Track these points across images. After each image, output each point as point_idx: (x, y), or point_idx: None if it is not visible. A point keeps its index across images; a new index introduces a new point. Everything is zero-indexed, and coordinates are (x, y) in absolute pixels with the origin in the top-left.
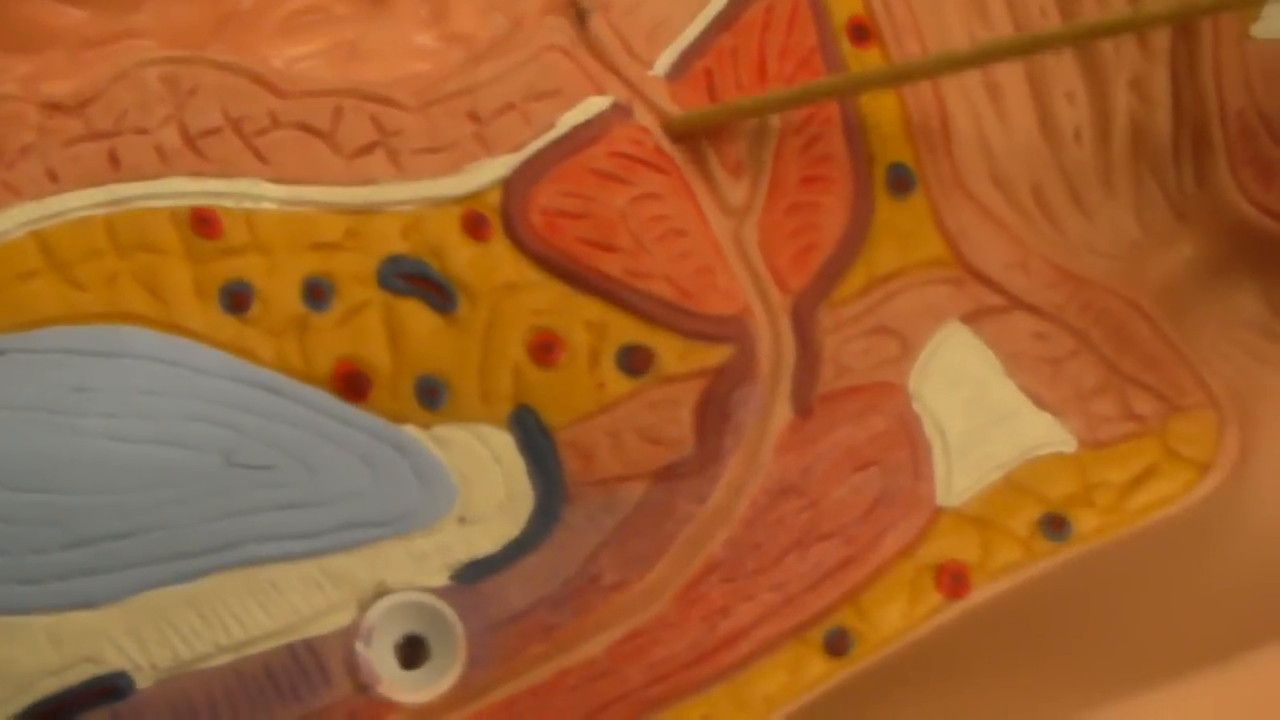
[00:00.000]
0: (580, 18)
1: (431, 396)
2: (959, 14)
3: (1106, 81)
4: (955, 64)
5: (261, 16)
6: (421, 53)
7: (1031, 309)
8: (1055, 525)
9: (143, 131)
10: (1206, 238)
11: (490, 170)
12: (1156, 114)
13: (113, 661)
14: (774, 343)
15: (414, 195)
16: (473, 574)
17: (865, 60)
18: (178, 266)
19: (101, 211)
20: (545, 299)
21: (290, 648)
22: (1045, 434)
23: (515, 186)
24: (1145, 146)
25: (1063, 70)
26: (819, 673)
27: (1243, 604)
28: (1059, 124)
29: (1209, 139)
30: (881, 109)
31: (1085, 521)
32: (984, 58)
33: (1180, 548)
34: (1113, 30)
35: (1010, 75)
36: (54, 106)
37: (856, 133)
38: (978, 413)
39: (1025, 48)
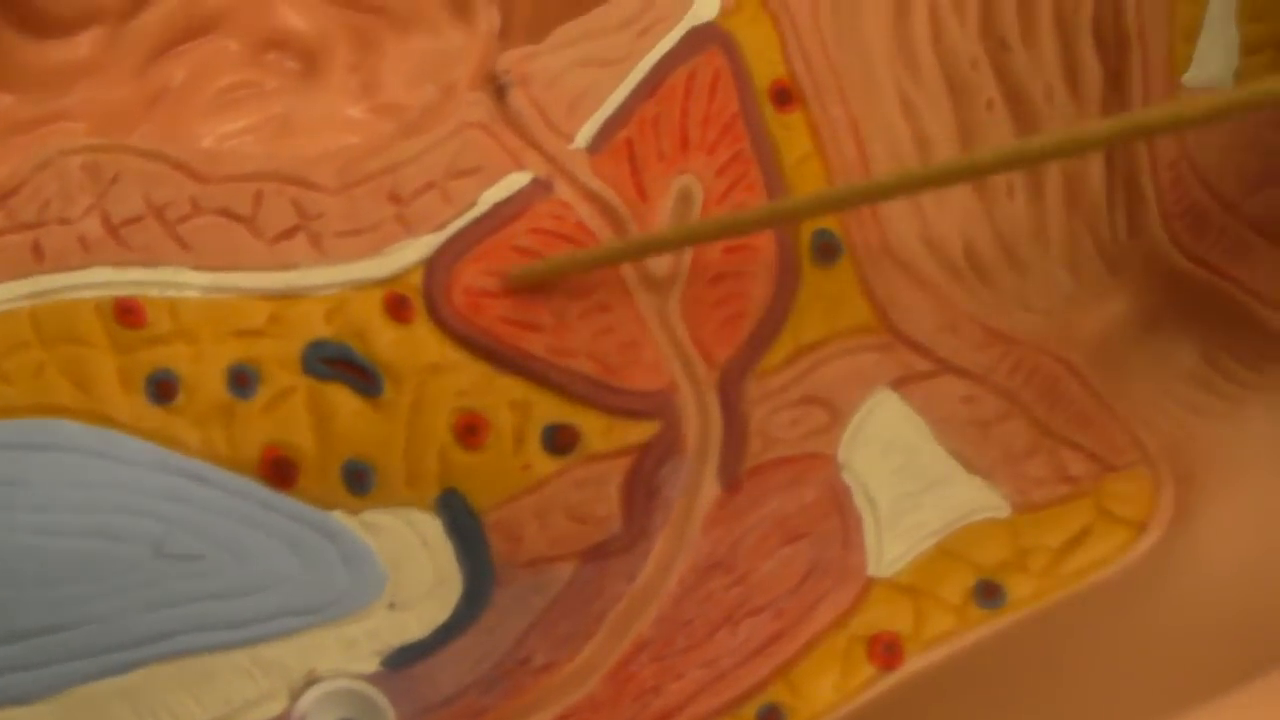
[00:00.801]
0: (499, 92)
1: (359, 481)
2: (888, 70)
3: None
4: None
5: (192, 94)
6: (352, 125)
7: (960, 372)
8: (989, 592)
9: (66, 221)
10: (1140, 290)
11: (412, 251)
12: (1089, 166)
13: None
14: (700, 417)
15: (336, 279)
16: (403, 659)
17: (789, 125)
18: (103, 357)
19: (26, 304)
20: (469, 380)
21: None
22: (977, 500)
23: (437, 267)
24: (1078, 199)
25: (995, 123)
26: None
27: (1182, 664)
28: (992, 180)
29: (1141, 190)
30: (806, 175)
31: (1019, 587)
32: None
33: (1118, 610)
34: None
35: (942, 131)
36: None
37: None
38: (908, 481)
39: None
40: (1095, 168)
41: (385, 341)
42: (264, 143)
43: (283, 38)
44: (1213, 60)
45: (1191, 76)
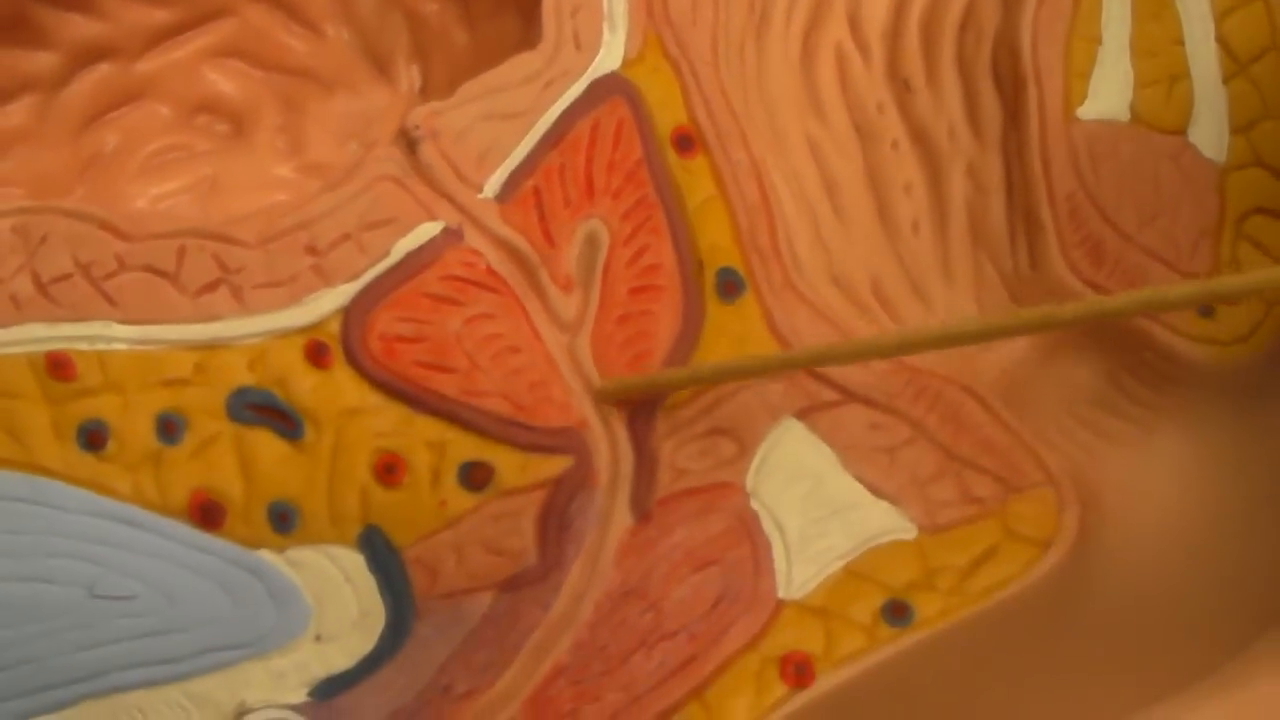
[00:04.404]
0: (411, 146)
1: (283, 521)
2: (795, 115)
3: (943, 171)
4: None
5: (124, 158)
6: (281, 184)
7: (865, 401)
8: (897, 611)
9: None
10: None
11: (330, 300)
12: (991, 200)
13: None
14: (611, 451)
15: (258, 329)
16: (330, 689)
17: (692, 169)
18: (36, 410)
19: None
20: (387, 422)
21: None
22: (884, 523)
23: (354, 315)
24: (982, 233)
25: (900, 163)
26: None
27: (1087, 679)
28: (897, 216)
29: (1040, 222)
30: (709, 216)
31: (927, 606)
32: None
33: (1024, 626)
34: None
35: (848, 171)
36: None
37: (684, 241)
38: (816, 506)
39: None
40: (996, 201)
41: (306, 387)
42: (196, 203)
43: (212, 101)
44: (1107, 95)
45: (1086, 110)
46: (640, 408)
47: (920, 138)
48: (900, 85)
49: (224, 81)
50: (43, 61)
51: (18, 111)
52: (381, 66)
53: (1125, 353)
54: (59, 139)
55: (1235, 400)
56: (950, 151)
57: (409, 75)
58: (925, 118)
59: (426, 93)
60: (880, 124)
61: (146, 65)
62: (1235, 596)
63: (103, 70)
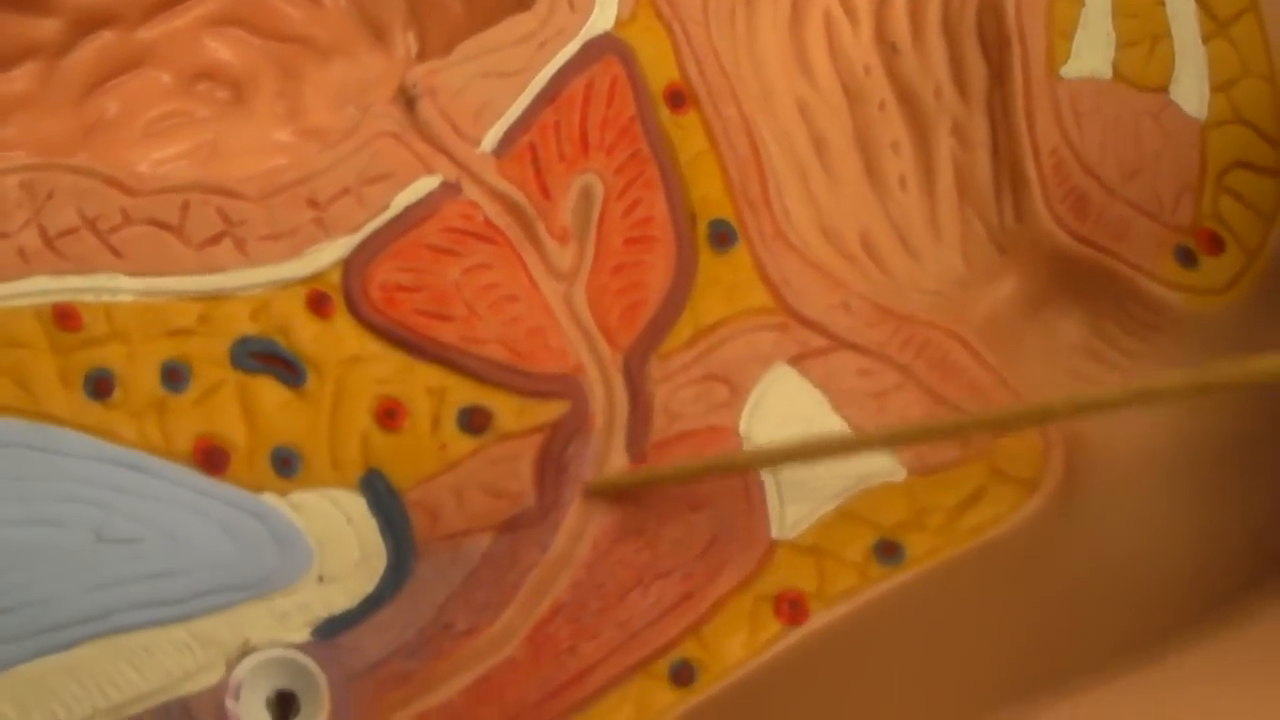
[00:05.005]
0: (409, 103)
1: (286, 466)
2: (783, 74)
3: (930, 130)
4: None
5: (126, 124)
6: (280, 148)
7: (855, 347)
8: (888, 550)
9: (5, 235)
10: (1028, 269)
11: (330, 252)
12: (977, 157)
13: None
14: (606, 396)
15: (260, 279)
16: (332, 629)
17: (684, 125)
18: (43, 359)
19: None
20: (388, 369)
21: (165, 707)
22: (874, 465)
23: (354, 265)
24: (968, 188)
25: (887, 122)
26: (665, 703)
27: (1074, 616)
28: (885, 173)
29: (1025, 177)
30: (701, 170)
31: (918, 545)
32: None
33: (1012, 564)
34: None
35: (837, 131)
36: None
37: (677, 194)
38: None
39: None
40: (982, 158)
41: (308, 336)
42: (196, 168)
43: (212, 68)
44: (1090, 55)
45: (1069, 69)
46: (633, 354)
47: (907, 98)
48: (887, 48)
49: (223, 49)
50: (45, 28)
51: (21, 78)
52: (378, 34)
53: (1109, 303)
54: (61, 105)
55: (1217, 348)
56: (936, 111)
57: (405, 42)
58: (912, 79)
59: (423, 59)
60: (868, 85)
61: (147, 33)
62: (1218, 543)
63: (104, 38)
